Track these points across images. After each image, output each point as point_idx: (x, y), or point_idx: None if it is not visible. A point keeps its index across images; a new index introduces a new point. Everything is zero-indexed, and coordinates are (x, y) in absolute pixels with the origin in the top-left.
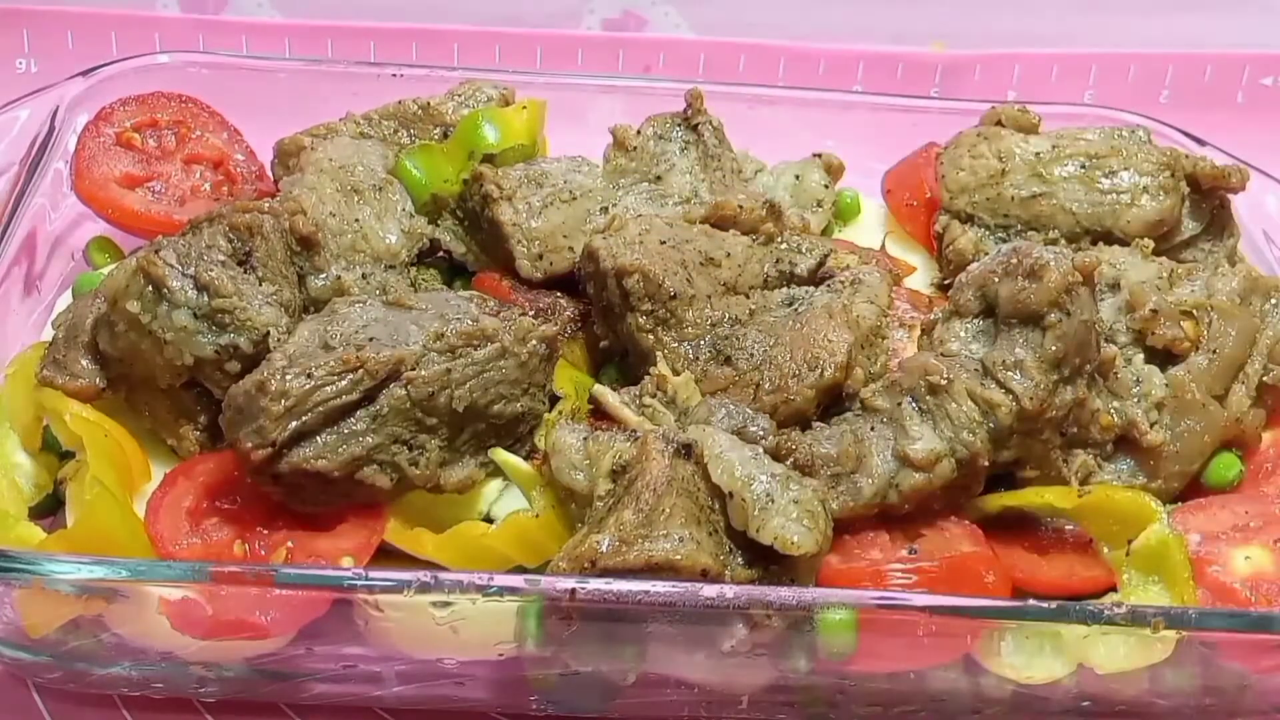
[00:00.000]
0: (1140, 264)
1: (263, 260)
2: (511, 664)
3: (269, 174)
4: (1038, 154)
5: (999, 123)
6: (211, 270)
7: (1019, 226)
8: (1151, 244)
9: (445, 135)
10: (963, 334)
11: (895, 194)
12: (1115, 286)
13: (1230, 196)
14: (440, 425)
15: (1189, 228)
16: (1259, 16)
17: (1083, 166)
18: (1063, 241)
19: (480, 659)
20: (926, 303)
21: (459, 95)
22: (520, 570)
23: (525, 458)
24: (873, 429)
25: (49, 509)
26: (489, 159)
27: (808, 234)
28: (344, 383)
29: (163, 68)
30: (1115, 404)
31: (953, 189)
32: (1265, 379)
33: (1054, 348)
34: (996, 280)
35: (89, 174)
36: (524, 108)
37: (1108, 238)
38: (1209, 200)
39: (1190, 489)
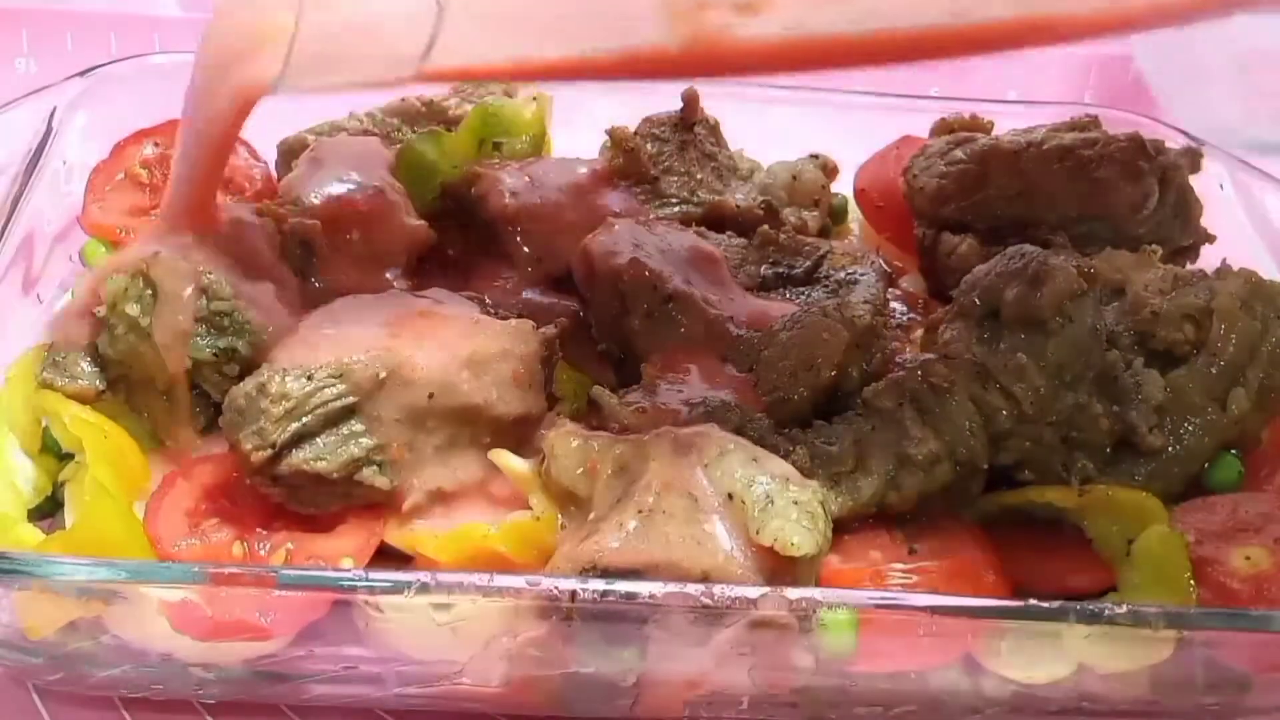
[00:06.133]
0: (1145, 269)
1: (262, 262)
2: (512, 664)
3: (273, 174)
4: (1015, 153)
5: (952, 129)
6: (210, 273)
7: (1008, 226)
8: (1160, 250)
9: (449, 131)
10: (966, 336)
11: (867, 194)
12: (1120, 291)
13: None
14: (440, 427)
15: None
16: (1259, 16)
17: (1060, 159)
18: (1061, 238)
19: (481, 659)
20: (921, 303)
21: (463, 92)
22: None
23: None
24: (873, 429)
25: (48, 511)
26: (498, 147)
27: (804, 234)
28: (344, 385)
29: (162, 68)
30: (1116, 408)
31: (933, 197)
32: (1265, 382)
33: (1056, 353)
34: (1001, 284)
35: (98, 214)
36: (534, 99)
37: (1096, 224)
38: (1174, 183)
39: (1190, 489)
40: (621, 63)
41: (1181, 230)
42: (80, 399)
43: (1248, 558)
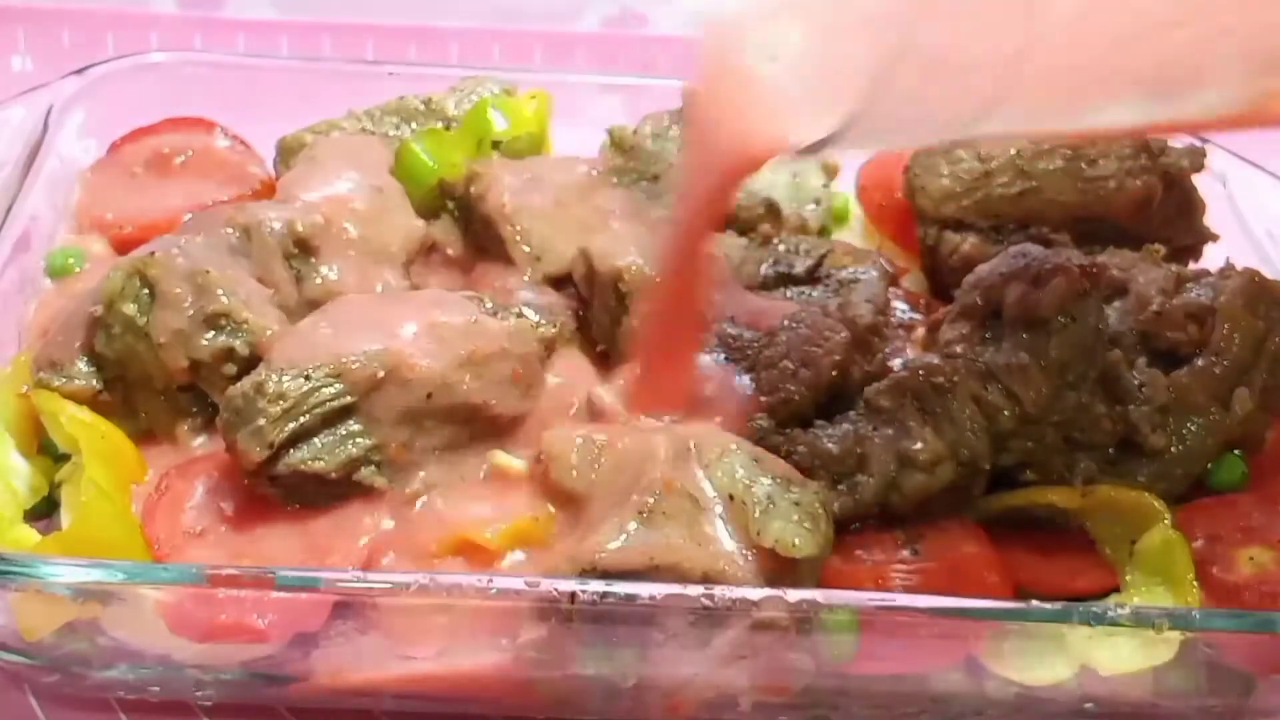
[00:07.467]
0: (1148, 268)
1: (260, 261)
2: (511, 666)
3: (271, 172)
4: (1018, 151)
5: None
6: (208, 272)
7: (1011, 225)
8: (1162, 249)
9: (448, 130)
10: (968, 336)
11: (868, 193)
12: (1123, 291)
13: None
14: (438, 427)
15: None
16: None
17: (1064, 159)
18: (1064, 237)
19: (480, 661)
20: (923, 302)
21: (461, 90)
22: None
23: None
24: (875, 429)
25: (45, 512)
26: (498, 145)
27: (805, 233)
28: (341, 384)
29: (158, 66)
30: (1118, 408)
31: (936, 196)
32: (1269, 382)
33: (1058, 353)
34: (1003, 283)
35: (94, 215)
36: (534, 97)
37: (1099, 223)
38: (1176, 181)
39: (1194, 490)
40: (1173, 125)
41: (1184, 229)
42: (77, 399)
43: (1251, 559)
